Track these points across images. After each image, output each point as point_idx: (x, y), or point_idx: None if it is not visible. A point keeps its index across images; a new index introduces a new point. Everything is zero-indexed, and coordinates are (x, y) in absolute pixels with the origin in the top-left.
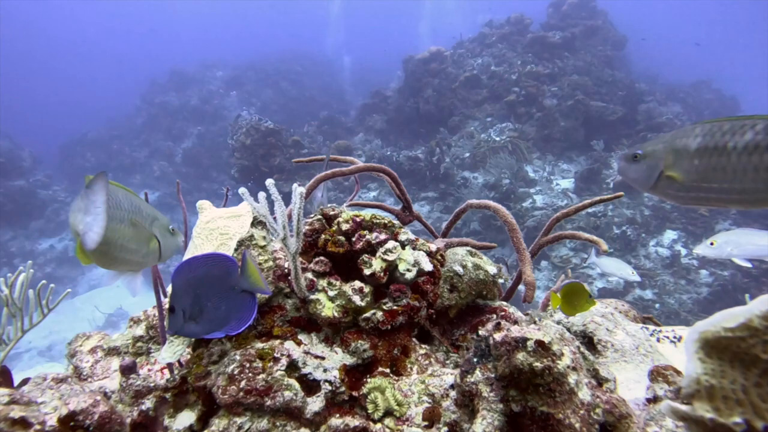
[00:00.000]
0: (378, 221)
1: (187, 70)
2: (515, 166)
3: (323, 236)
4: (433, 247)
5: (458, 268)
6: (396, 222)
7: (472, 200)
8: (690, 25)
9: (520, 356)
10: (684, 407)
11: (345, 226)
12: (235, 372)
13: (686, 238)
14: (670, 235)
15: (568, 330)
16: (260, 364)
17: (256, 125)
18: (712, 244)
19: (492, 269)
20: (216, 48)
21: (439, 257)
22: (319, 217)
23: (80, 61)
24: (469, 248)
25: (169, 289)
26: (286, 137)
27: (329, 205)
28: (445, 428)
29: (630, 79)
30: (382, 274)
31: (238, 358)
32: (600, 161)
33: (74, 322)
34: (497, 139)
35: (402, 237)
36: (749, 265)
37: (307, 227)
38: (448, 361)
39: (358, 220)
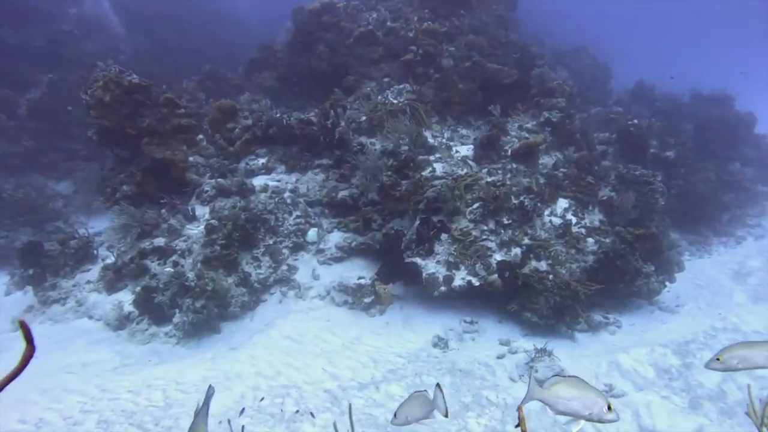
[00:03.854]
0: None
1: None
2: (414, 131)
3: None
4: None
5: None
6: None
7: None
8: None
9: None
10: None
11: None
12: None
13: (576, 206)
14: (562, 203)
15: None
16: None
17: (117, 78)
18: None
19: None
20: None
21: None
22: None
23: None
24: None
25: None
26: (157, 94)
27: None
28: None
29: (523, 41)
30: None
31: None
32: (498, 127)
33: None
34: (395, 101)
35: None
36: None
37: None
38: None
39: None
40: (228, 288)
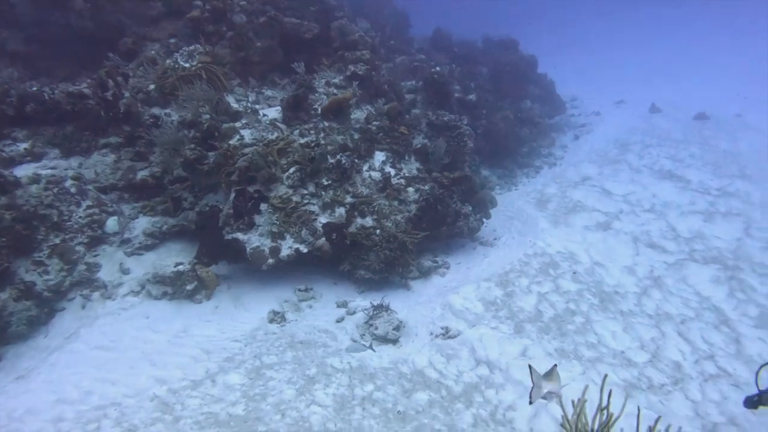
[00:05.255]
0: None
1: None
2: (214, 97)
3: None
4: None
5: None
6: None
7: None
8: None
9: None
10: None
11: None
12: None
13: (393, 158)
14: (379, 157)
15: None
16: None
17: None
18: None
19: None
20: None
21: None
22: None
23: None
24: None
25: None
26: None
27: None
28: None
29: None
30: None
31: None
32: (304, 85)
33: None
34: (187, 65)
35: None
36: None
37: None
38: None
39: None
40: (3, 305)
